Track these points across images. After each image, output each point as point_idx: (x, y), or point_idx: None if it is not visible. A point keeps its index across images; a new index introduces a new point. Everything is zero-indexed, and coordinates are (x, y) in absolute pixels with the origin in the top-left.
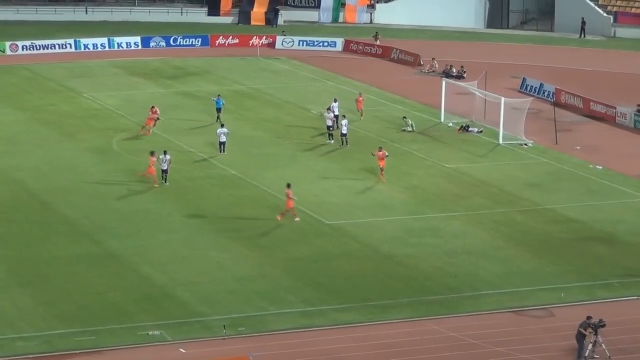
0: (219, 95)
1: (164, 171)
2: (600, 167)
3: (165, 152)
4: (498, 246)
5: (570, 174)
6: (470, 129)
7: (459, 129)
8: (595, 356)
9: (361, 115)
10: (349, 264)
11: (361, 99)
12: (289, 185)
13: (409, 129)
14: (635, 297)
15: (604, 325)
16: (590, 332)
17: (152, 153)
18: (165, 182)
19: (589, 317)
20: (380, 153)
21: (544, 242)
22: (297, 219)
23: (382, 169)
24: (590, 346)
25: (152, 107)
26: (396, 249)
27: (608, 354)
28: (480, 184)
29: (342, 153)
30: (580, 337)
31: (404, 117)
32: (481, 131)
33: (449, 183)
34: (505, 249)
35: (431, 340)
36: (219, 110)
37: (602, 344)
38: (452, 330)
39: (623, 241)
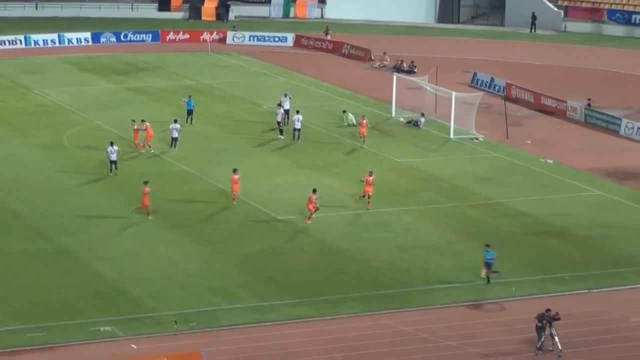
0: (189, 96)
1: (113, 162)
2: (551, 161)
3: (111, 144)
4: (449, 240)
5: (522, 168)
6: (419, 123)
7: (406, 122)
8: (549, 348)
9: (364, 141)
10: (300, 259)
11: (365, 122)
12: (314, 191)
13: (345, 123)
14: (586, 291)
15: (558, 319)
16: (545, 325)
17: (145, 183)
18: (116, 172)
19: (548, 310)
20: (371, 178)
21: (495, 237)
22: (308, 222)
23: (368, 197)
24: (543, 338)
25: (143, 121)
26: (348, 243)
27: (560, 347)
28: (432, 178)
29: (294, 148)
30: (539, 329)
31: (344, 111)
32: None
33: (400, 177)
34: (457, 243)
35: (383, 334)
36: (190, 112)
37: (556, 337)
38: (404, 325)
39: (574, 235)
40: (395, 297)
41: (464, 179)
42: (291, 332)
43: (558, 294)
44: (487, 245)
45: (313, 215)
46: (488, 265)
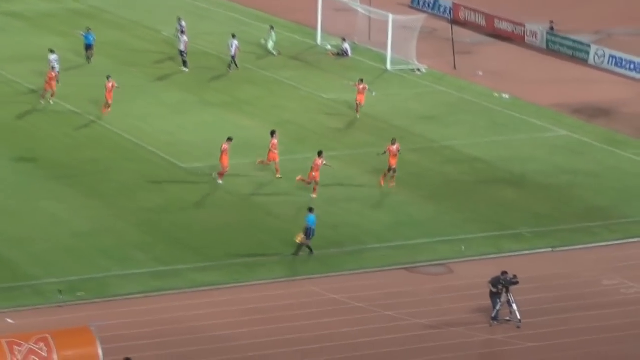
0: (88, 28)
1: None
2: (507, 96)
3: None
4: (386, 191)
5: (472, 104)
6: (345, 51)
7: (334, 53)
8: (506, 318)
9: (357, 110)
10: (209, 215)
11: (362, 87)
12: (320, 154)
13: (269, 45)
14: (550, 250)
15: (516, 283)
16: (501, 290)
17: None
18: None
19: (504, 273)
20: (394, 147)
21: (441, 186)
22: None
23: (393, 171)
24: (498, 306)
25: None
26: (265, 196)
27: (519, 317)
28: (365, 117)
29: (200, 83)
30: (494, 295)
31: (272, 27)
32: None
33: (327, 117)
34: (395, 194)
35: (308, 304)
36: (89, 47)
37: (514, 305)
38: (333, 292)
39: (534, 183)
40: (322, 260)
41: (403, 118)
42: (198, 302)
43: (516, 253)
44: (310, 210)
45: (310, 185)
46: (307, 233)
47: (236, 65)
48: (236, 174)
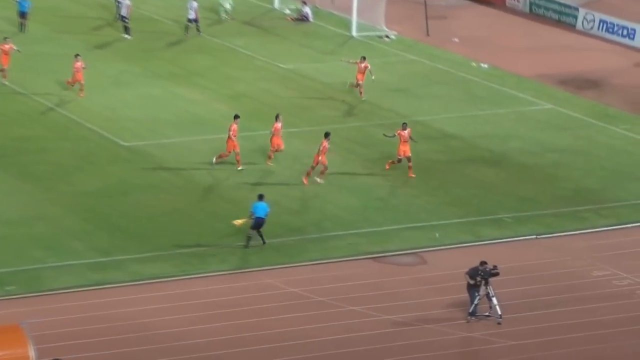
0: None
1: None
2: (486, 66)
3: None
4: (353, 170)
5: (446, 74)
6: (305, 15)
7: (293, 18)
8: (485, 313)
9: (360, 89)
10: (154, 200)
11: (364, 66)
12: (327, 135)
13: (224, 15)
14: (534, 237)
15: (497, 274)
16: (479, 282)
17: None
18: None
19: (482, 263)
20: (405, 132)
21: (414, 166)
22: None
23: (408, 159)
24: (477, 300)
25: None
26: (218, 178)
27: (499, 312)
28: (328, 89)
29: (145, 52)
30: (472, 288)
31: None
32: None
33: (285, 89)
34: (362, 175)
35: (265, 298)
36: (23, 14)
37: (494, 298)
38: (293, 285)
39: (516, 163)
40: (280, 249)
41: (370, 90)
42: (142, 297)
43: (496, 240)
44: (260, 197)
45: (318, 173)
46: (255, 224)
47: (198, 30)
48: (186, 153)
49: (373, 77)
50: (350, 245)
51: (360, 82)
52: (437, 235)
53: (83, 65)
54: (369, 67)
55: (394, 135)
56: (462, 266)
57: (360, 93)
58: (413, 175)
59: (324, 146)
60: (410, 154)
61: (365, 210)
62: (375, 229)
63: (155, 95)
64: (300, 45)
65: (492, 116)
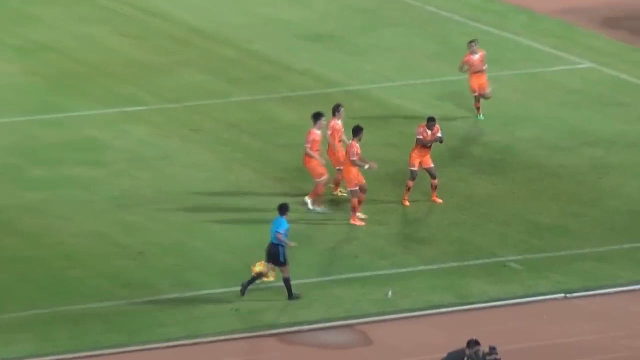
0: None
1: None
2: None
3: None
4: (237, 188)
5: (405, 10)
6: None
7: None
8: None
9: (478, 108)
10: None
11: (479, 57)
12: (357, 132)
13: None
14: (560, 295)
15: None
16: None
17: None
18: None
19: (472, 344)
20: (431, 133)
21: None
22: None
23: (432, 177)
24: None
25: None
26: (14, 199)
27: None
28: (204, 41)
29: None
30: None
31: None
32: None
33: (122, 39)
34: (250, 195)
35: None
36: None
37: None
38: None
39: (528, 164)
40: (111, 321)
41: (273, 38)
42: None
43: (494, 303)
44: (282, 208)
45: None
46: (278, 254)
47: None
48: None
49: (485, 67)
50: (236, 313)
51: (479, 91)
52: (389, 293)
53: None
54: (485, 53)
55: (421, 138)
56: (435, 350)
57: (478, 109)
58: (439, 200)
59: (354, 150)
60: (432, 165)
61: (252, 255)
62: (275, 284)
63: None
64: None
65: (489, 83)
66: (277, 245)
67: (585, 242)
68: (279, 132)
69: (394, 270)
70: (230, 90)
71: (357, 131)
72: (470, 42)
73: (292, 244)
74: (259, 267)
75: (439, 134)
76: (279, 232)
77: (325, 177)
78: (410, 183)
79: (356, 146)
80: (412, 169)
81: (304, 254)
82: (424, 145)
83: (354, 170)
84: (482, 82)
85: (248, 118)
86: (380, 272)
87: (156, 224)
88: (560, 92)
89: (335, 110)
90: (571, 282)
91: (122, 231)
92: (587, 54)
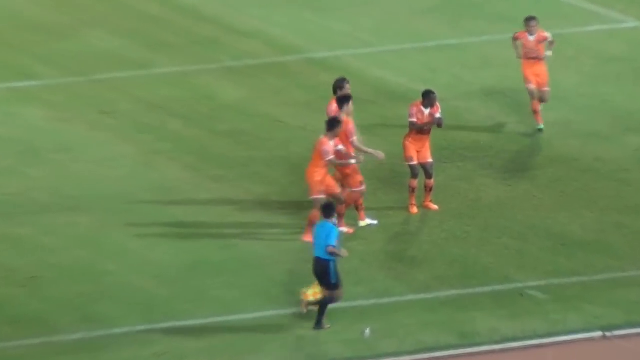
0: None
1: None
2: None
3: None
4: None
5: None
6: None
7: None
8: None
9: (538, 115)
10: None
11: (538, 39)
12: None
13: None
14: (599, 333)
15: None
16: None
17: None
18: None
19: None
20: (428, 112)
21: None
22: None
23: (428, 176)
24: None
25: None
26: None
27: None
28: (171, 11)
29: None
30: None
31: None
32: None
33: (58, 14)
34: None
35: None
36: None
37: None
38: None
39: (554, 158)
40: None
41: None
42: None
43: (508, 345)
44: (326, 210)
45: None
46: (330, 273)
47: None
48: None
49: (549, 53)
50: None
51: (538, 85)
52: (367, 332)
53: None
54: (549, 38)
55: (415, 123)
56: None
57: (538, 117)
58: (435, 207)
59: (326, 149)
60: (431, 161)
61: (194, 273)
62: (215, 319)
63: None
64: None
65: (499, 47)
66: (327, 261)
67: (631, 262)
68: (219, 115)
69: (373, 301)
70: (153, 60)
71: (332, 124)
72: (528, 19)
73: (345, 253)
74: (314, 293)
75: (438, 115)
76: (331, 245)
77: (364, 186)
78: (414, 182)
79: (329, 144)
80: (411, 163)
81: (248, 279)
82: (420, 130)
83: (321, 173)
84: (539, 71)
85: (177, 96)
86: (355, 304)
87: (54, 239)
88: (597, 61)
89: (338, 88)
90: (612, 316)
91: (9, 249)
92: (633, 10)
